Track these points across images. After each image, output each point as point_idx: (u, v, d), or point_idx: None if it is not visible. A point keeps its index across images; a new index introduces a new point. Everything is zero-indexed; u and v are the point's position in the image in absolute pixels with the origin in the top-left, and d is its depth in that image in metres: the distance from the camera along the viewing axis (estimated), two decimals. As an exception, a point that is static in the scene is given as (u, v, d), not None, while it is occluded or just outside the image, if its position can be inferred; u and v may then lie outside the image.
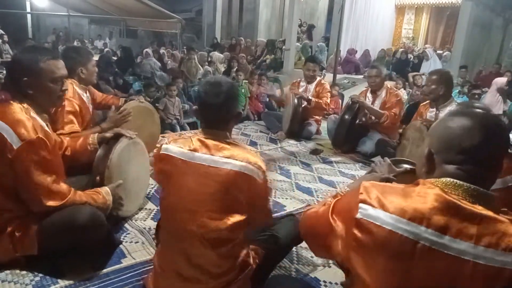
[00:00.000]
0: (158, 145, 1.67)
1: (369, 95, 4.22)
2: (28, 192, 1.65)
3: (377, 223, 0.95)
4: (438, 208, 0.92)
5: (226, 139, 1.53)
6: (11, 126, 1.61)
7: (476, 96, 5.38)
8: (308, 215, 1.26)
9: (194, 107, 1.61)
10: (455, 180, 0.96)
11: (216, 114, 1.52)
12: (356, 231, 0.98)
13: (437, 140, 1.01)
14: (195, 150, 1.47)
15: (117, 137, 2.16)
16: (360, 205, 0.99)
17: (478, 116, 0.98)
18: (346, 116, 4.08)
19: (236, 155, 1.45)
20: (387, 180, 1.33)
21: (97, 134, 2.17)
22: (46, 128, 1.80)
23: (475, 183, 0.95)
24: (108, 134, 2.16)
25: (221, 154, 1.45)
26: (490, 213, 0.92)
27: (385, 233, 0.94)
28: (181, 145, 1.50)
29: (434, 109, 3.26)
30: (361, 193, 1.01)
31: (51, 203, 1.67)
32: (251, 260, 1.59)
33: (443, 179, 0.97)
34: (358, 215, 0.98)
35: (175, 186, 1.51)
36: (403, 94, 6.86)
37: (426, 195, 0.95)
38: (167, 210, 1.59)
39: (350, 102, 4.18)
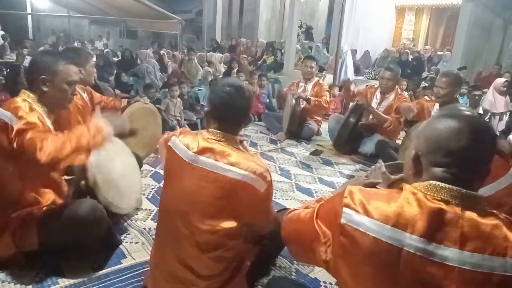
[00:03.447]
0: (169, 133, 1.66)
1: (377, 94, 4.17)
2: (24, 150, 1.63)
3: (361, 229, 0.93)
4: (422, 214, 0.91)
5: (235, 144, 1.51)
6: (12, 112, 1.69)
7: (476, 97, 5.38)
8: (290, 218, 1.23)
9: (206, 108, 1.60)
10: (437, 183, 0.94)
11: (234, 116, 1.51)
12: (341, 238, 0.97)
13: (424, 142, 0.99)
14: (199, 152, 1.45)
15: None
16: (344, 209, 0.97)
17: (466, 119, 0.97)
18: (351, 119, 4.04)
19: (240, 163, 1.41)
20: (371, 185, 1.30)
21: None
22: (48, 124, 1.82)
23: (462, 185, 0.93)
24: None
25: (226, 160, 1.42)
26: (474, 215, 0.90)
27: (370, 241, 0.92)
28: (188, 143, 1.48)
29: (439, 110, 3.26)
30: (346, 197, 0.99)
31: (41, 155, 1.60)
32: (245, 259, 1.57)
33: (426, 182, 0.96)
34: (342, 220, 0.96)
35: (173, 186, 1.50)
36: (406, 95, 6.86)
37: (410, 200, 0.94)
38: (162, 208, 1.58)
39: (355, 105, 4.12)
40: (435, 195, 0.93)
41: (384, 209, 0.94)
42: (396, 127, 3.97)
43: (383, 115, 4.00)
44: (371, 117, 4.18)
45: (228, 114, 1.50)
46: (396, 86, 4.19)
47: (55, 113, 1.93)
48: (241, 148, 1.53)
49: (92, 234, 1.80)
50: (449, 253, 0.88)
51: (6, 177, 1.73)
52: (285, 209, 2.12)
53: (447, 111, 1.05)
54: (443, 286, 0.88)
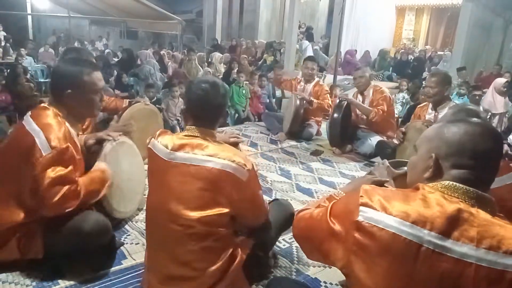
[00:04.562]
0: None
1: (359, 97, 4.29)
2: (39, 198, 1.63)
3: (380, 226, 0.95)
4: (440, 212, 0.93)
5: (212, 137, 1.53)
6: (43, 130, 1.63)
7: (477, 98, 5.38)
8: (301, 216, 1.25)
9: (183, 106, 1.61)
10: (454, 183, 0.97)
11: (210, 113, 1.54)
12: (357, 235, 0.98)
13: (445, 145, 1.02)
14: (176, 149, 1.47)
15: (101, 142, 2.08)
16: (361, 208, 0.99)
17: (481, 123, 1.02)
18: (336, 115, 4.11)
19: (219, 154, 1.44)
20: (379, 183, 1.33)
21: (84, 137, 2.11)
22: (76, 139, 1.81)
23: (480, 186, 0.97)
24: (91, 141, 2.06)
25: (203, 152, 1.44)
26: (488, 216, 0.94)
27: (389, 236, 0.94)
28: (166, 142, 1.50)
29: (433, 111, 3.27)
30: (362, 196, 1.01)
31: (65, 206, 1.65)
32: (239, 252, 1.57)
33: (442, 182, 0.99)
34: (360, 218, 0.98)
35: (157, 186, 1.52)
36: (406, 95, 6.85)
37: (428, 199, 0.97)
38: (149, 210, 1.58)
39: (338, 101, 4.24)
40: (453, 194, 0.97)
41: (403, 207, 0.96)
42: (381, 118, 4.00)
43: (366, 106, 4.09)
44: (360, 115, 4.24)
45: (204, 111, 1.53)
46: (372, 82, 4.28)
47: (82, 122, 1.88)
48: (218, 141, 1.55)
49: (95, 245, 1.80)
50: (467, 249, 0.91)
51: (21, 185, 1.69)
52: (276, 199, 2.12)
53: (458, 111, 1.09)
54: (459, 282, 0.91)
